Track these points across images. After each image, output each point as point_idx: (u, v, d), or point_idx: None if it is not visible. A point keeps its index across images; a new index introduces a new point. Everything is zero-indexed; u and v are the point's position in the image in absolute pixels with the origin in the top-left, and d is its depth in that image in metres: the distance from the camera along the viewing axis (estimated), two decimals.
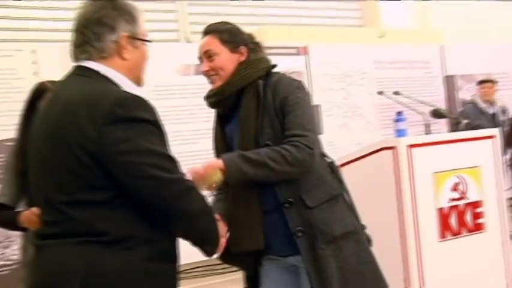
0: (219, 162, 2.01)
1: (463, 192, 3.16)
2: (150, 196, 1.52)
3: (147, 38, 1.69)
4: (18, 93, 4.14)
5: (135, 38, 1.65)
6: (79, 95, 1.53)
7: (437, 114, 3.86)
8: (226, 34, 2.19)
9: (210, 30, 2.20)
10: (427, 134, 3.54)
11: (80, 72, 1.62)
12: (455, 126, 5.12)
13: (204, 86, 4.70)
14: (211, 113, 4.78)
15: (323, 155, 2.13)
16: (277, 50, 5.20)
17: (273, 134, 2.05)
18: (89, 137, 1.47)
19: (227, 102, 2.25)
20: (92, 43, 1.61)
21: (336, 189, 2.08)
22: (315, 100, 5.33)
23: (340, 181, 2.13)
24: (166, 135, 1.61)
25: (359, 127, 5.57)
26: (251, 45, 2.27)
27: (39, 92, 2.60)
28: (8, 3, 4.83)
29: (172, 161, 1.60)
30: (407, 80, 5.85)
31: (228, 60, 2.19)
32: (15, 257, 4.01)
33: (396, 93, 4.03)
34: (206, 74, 2.27)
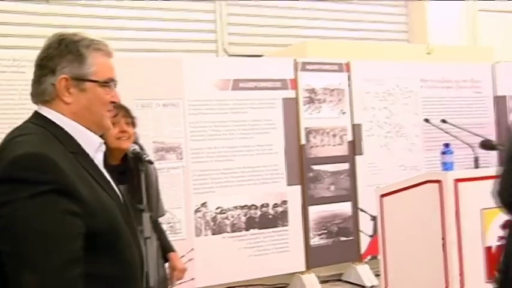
0: None
1: None
2: None
3: (101, 79, 1.54)
4: None
5: (80, 80, 1.52)
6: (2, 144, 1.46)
7: (487, 146, 3.67)
8: None
9: None
10: (476, 167, 3.37)
11: (31, 119, 1.54)
12: None
13: (243, 101, 4.65)
14: (249, 129, 4.76)
15: None
16: (318, 66, 5.11)
17: None
18: None
19: None
20: (34, 86, 1.55)
21: None
22: (356, 119, 5.22)
23: None
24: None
25: (402, 148, 5.37)
26: None
27: None
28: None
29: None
30: (454, 100, 5.63)
31: None
32: None
33: (443, 121, 3.86)
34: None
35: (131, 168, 2.61)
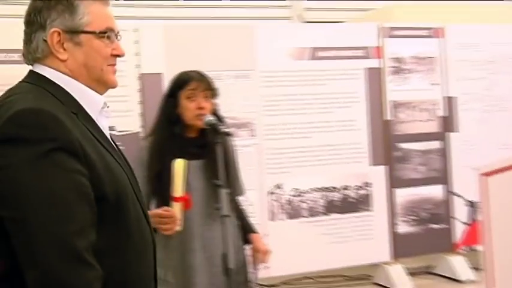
0: None
1: None
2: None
3: (98, 29, 1.41)
4: (121, 77, 3.89)
5: (73, 32, 1.40)
6: None
7: None
8: None
9: None
10: None
11: (25, 78, 1.43)
12: None
13: (321, 72, 4.25)
14: (328, 103, 4.37)
15: None
16: (406, 31, 4.63)
17: None
18: None
19: None
20: (25, 46, 1.44)
21: None
22: (450, 91, 4.68)
23: None
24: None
25: (503, 124, 4.79)
26: None
27: (182, 82, 2.57)
28: None
29: None
30: None
31: None
32: None
33: None
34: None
35: (209, 141, 2.50)
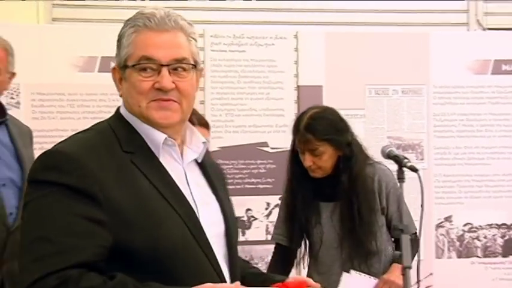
0: None
1: None
2: None
3: (132, 62, 1.37)
4: (277, 89, 3.73)
5: (121, 67, 1.41)
6: None
7: None
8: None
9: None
10: None
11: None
12: None
13: (506, 89, 3.79)
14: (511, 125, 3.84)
15: None
16: None
17: None
18: None
19: None
20: None
21: None
22: None
23: None
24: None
25: None
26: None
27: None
28: None
29: None
30: None
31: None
32: None
33: None
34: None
35: (342, 180, 2.48)
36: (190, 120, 2.56)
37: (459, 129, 3.84)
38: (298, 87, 3.72)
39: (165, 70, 1.35)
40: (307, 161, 2.46)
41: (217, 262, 1.40)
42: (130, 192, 1.30)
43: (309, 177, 2.54)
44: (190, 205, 1.38)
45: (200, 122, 2.66)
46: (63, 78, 3.39)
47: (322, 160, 2.46)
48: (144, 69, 1.36)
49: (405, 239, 1.99)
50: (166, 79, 1.35)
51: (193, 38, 1.44)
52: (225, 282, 1.40)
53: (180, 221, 1.34)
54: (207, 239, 1.38)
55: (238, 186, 3.60)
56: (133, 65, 1.36)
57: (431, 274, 3.72)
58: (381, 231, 2.59)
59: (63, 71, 3.46)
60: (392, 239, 2.67)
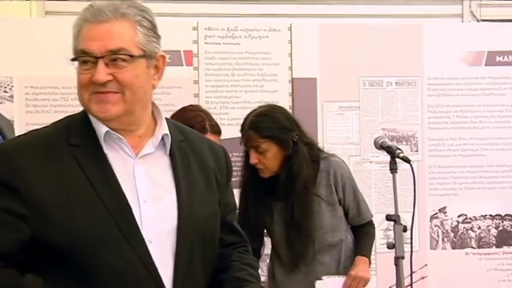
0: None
1: None
2: None
3: (74, 55, 1.38)
4: (272, 81, 3.73)
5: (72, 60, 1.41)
6: None
7: None
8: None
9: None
10: None
11: None
12: None
13: (500, 80, 3.84)
14: (507, 116, 3.92)
15: None
16: None
17: None
18: None
19: None
20: None
21: None
22: None
23: None
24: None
25: None
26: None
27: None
28: None
29: None
30: None
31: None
32: None
33: None
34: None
35: (280, 179, 2.57)
36: (203, 127, 2.63)
37: (453, 121, 3.86)
38: (292, 80, 3.72)
39: (100, 62, 1.33)
40: (253, 158, 2.55)
41: (153, 264, 1.33)
42: (58, 187, 1.30)
43: (262, 176, 2.59)
44: (126, 200, 1.33)
45: (213, 129, 2.72)
46: (57, 72, 3.37)
47: (266, 158, 2.53)
48: (85, 62, 1.35)
49: (398, 229, 2.02)
50: (99, 72, 1.33)
51: (144, 26, 1.38)
52: (161, 285, 1.33)
53: (108, 217, 1.31)
54: (141, 238, 1.32)
55: (233, 179, 3.60)
56: (73, 59, 1.37)
57: (425, 265, 3.77)
58: (341, 222, 2.66)
59: (57, 65, 3.40)
60: (350, 227, 2.73)
